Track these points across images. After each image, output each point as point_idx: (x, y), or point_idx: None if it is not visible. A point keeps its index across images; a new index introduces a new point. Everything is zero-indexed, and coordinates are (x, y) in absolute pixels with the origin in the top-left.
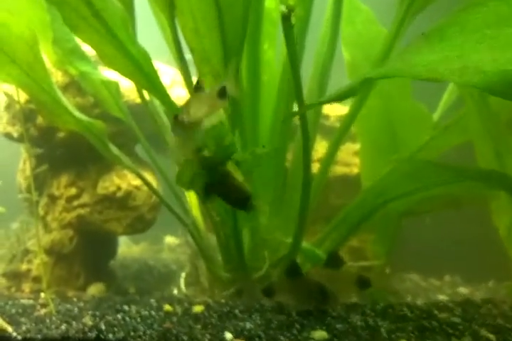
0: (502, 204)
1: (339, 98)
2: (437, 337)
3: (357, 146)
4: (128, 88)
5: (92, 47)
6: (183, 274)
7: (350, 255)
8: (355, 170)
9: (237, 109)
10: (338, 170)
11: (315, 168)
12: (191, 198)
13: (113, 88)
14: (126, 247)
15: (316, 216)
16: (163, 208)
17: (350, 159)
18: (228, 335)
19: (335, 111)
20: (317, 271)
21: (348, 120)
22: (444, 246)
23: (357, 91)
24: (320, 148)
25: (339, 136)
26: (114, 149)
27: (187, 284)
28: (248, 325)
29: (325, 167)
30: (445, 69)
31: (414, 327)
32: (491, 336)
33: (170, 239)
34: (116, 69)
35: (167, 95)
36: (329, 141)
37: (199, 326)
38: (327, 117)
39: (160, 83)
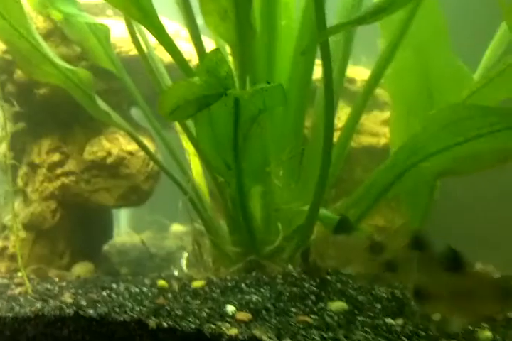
0: None
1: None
2: None
3: (385, 115)
4: (121, 38)
5: None
6: (185, 254)
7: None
8: (383, 141)
9: (248, 54)
10: (364, 140)
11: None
12: (194, 165)
13: (102, 34)
14: (128, 237)
15: (339, 191)
16: (173, 194)
17: (377, 129)
18: (230, 308)
19: (361, 74)
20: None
21: (373, 80)
22: (476, 226)
23: None
24: (344, 115)
25: (363, 98)
26: (102, 104)
27: (189, 265)
28: (255, 298)
29: (347, 132)
30: None
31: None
32: None
33: (177, 227)
34: None
35: (164, 31)
36: None
37: (197, 301)
38: (353, 81)
39: (153, 11)
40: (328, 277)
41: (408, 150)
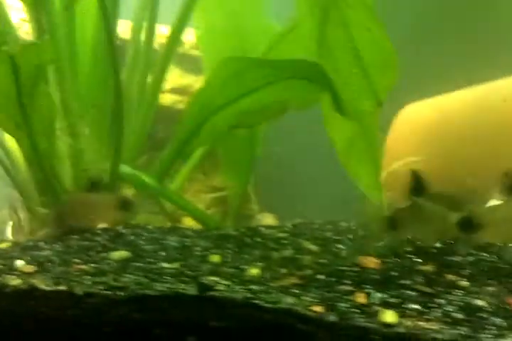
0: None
1: None
2: (255, 252)
3: None
4: None
5: None
6: (11, 223)
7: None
8: None
9: (46, 13)
10: None
11: (164, 98)
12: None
13: None
14: None
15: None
16: None
17: None
18: (19, 263)
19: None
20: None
21: (172, 41)
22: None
23: None
24: (173, 77)
25: (163, 59)
26: None
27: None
28: (45, 253)
29: (153, 93)
30: None
31: (234, 244)
32: (313, 247)
33: None
34: None
35: None
36: (182, 69)
37: None
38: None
39: None
40: (124, 230)
41: (199, 105)
